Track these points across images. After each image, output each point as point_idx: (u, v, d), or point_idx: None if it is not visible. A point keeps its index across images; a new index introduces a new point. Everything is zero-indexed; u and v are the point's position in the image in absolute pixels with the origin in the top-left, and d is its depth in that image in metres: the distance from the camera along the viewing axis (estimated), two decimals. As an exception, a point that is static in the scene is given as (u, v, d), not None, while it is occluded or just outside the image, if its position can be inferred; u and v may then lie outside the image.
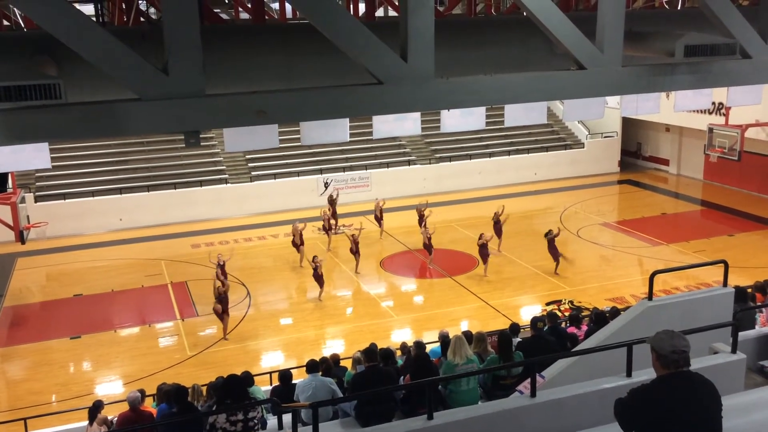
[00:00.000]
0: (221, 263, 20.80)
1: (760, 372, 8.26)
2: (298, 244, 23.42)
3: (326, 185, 31.61)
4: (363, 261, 23.59)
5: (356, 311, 20.43)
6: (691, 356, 4.39)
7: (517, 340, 10.24)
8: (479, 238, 21.89)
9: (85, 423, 11.12)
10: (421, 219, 25.42)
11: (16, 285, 23.49)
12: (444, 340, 11.05)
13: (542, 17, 6.11)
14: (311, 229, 26.57)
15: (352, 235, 23.01)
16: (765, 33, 7.30)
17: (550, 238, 21.90)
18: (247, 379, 10.51)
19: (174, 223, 29.30)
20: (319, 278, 20.66)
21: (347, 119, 9.79)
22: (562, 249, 22.51)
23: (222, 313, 18.36)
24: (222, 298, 18.42)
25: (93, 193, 29.30)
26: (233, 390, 7.75)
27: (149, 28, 7.23)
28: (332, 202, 27.75)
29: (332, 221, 26.51)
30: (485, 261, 22.01)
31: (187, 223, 29.30)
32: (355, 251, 22.82)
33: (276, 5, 29.99)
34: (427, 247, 22.92)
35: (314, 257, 21.01)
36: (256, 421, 7.67)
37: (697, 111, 29.06)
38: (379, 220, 26.62)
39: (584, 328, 11.71)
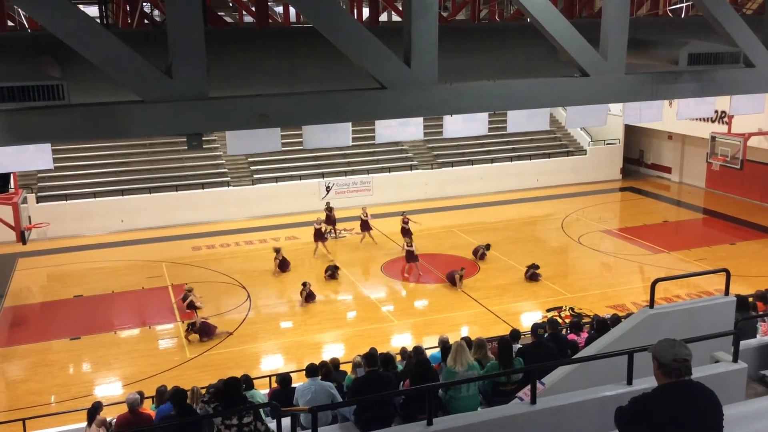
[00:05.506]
0: (190, 299, 20.37)
1: (761, 381, 8.24)
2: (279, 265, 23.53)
3: (328, 189, 31.61)
4: (362, 265, 23.52)
5: (357, 315, 20.42)
6: (693, 365, 4.38)
7: (517, 346, 10.22)
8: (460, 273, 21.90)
9: (84, 424, 11.10)
10: (405, 230, 25.26)
11: (17, 285, 23.49)
12: (444, 345, 11.03)
13: (546, 24, 6.12)
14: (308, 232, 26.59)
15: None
16: (769, 42, 7.30)
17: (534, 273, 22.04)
18: (246, 382, 10.49)
19: (175, 225, 29.31)
20: (310, 296, 20.87)
21: (350, 124, 9.79)
22: (563, 255, 22.35)
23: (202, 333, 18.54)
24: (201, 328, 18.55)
25: (94, 195, 29.33)
26: (227, 394, 7.71)
27: (153, 31, 7.24)
28: (330, 213, 27.41)
29: (328, 227, 26.40)
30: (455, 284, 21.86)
31: (189, 226, 29.31)
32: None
33: (280, 9, 30.14)
34: (411, 257, 22.81)
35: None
36: (252, 427, 7.63)
37: (700, 119, 29.10)
38: (364, 227, 26.40)
39: (585, 335, 11.68)
